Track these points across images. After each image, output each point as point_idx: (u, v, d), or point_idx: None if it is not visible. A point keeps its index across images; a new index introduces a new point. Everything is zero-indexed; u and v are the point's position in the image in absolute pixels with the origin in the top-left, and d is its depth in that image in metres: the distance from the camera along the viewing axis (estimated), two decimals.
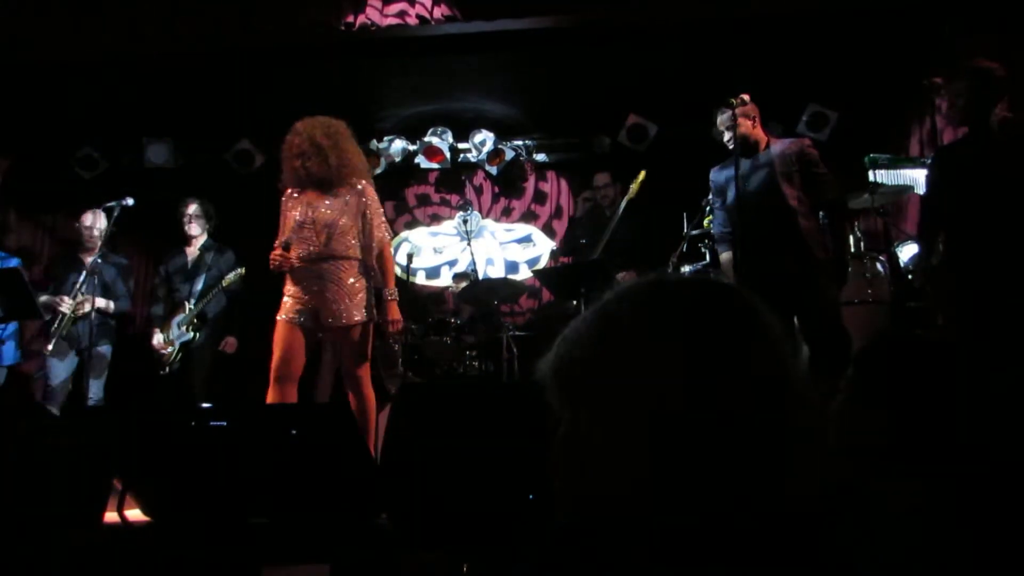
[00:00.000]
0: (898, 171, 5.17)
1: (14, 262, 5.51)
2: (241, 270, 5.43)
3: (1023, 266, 3.42)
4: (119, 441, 3.13)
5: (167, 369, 5.38)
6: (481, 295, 5.99)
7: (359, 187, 4.00)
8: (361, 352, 3.94)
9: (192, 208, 5.58)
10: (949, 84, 3.70)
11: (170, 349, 5.37)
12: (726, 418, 0.78)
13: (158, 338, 5.43)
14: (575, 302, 5.09)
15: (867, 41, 5.34)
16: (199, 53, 5.49)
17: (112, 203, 5.07)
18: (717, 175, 4.30)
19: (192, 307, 5.41)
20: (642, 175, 5.63)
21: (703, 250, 5.61)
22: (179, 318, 5.44)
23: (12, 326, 5.42)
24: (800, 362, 0.85)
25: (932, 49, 5.16)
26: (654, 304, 0.85)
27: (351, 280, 3.89)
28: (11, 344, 5.47)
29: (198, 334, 5.40)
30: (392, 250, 7.24)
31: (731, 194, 4.03)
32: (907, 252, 5.05)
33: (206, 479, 3.23)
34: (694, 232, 5.51)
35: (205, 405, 5.64)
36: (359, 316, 3.89)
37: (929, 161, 4.00)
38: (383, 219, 4.09)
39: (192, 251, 5.63)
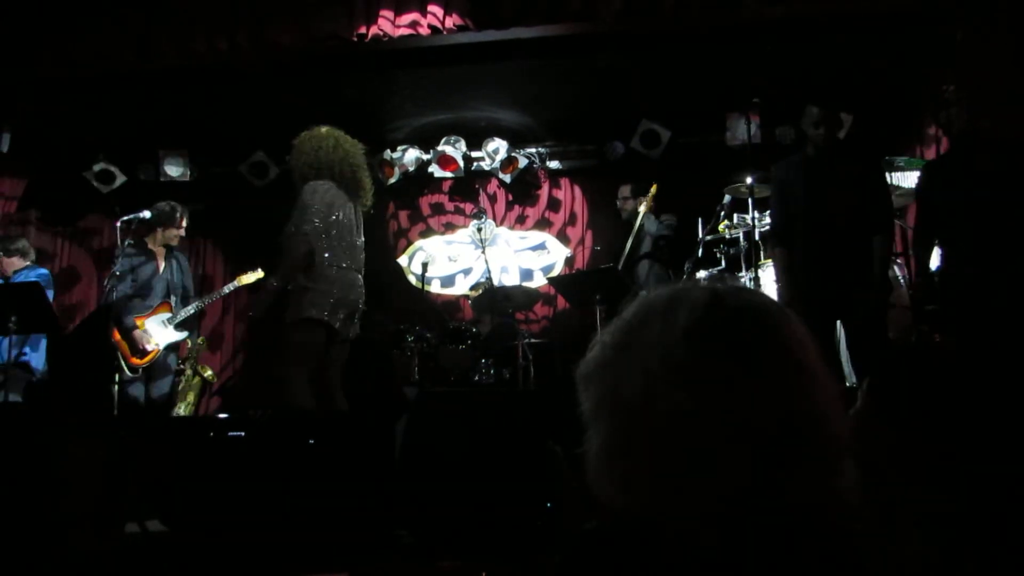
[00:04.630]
0: (915, 174, 5.14)
1: (35, 274, 5.55)
2: (260, 272, 5.45)
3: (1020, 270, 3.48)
4: (140, 451, 3.15)
5: (139, 371, 5.16)
6: (496, 303, 6.00)
7: None
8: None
9: (185, 222, 5.45)
10: (960, 96, 3.80)
11: (150, 348, 5.17)
12: (734, 423, 0.77)
13: (144, 338, 5.19)
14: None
15: (881, 44, 5.32)
16: (213, 67, 5.53)
17: (129, 216, 5.12)
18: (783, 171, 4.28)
19: (192, 308, 5.36)
20: (654, 189, 5.68)
21: (718, 255, 5.59)
22: (163, 317, 5.26)
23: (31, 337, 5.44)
24: (826, 369, 0.85)
25: (946, 52, 5.13)
26: (668, 311, 0.85)
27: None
28: (42, 353, 5.49)
29: (191, 334, 5.36)
30: (407, 258, 7.33)
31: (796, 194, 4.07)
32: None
33: (224, 489, 3.25)
34: (709, 237, 5.50)
35: (222, 416, 5.65)
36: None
37: (920, 175, 4.07)
38: None
39: (160, 253, 5.39)
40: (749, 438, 0.77)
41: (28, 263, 5.64)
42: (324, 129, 4.22)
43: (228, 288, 5.70)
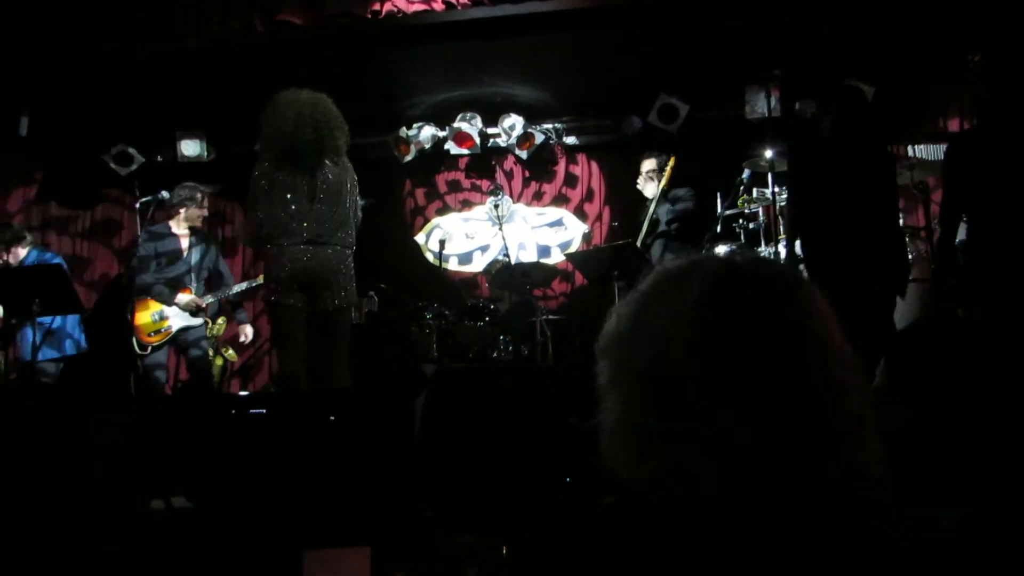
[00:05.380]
0: (938, 146, 5.07)
1: (48, 256, 5.62)
2: None
3: None
4: (163, 429, 3.19)
5: (149, 350, 5.23)
6: (514, 280, 6.00)
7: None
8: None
9: (206, 203, 5.51)
10: (990, 67, 3.74)
11: (163, 329, 5.26)
12: (747, 392, 0.77)
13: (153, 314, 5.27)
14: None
15: (904, 15, 5.21)
16: (228, 47, 5.54)
17: (147, 198, 5.16)
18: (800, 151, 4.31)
19: (211, 297, 5.40)
20: (672, 161, 5.62)
21: (737, 230, 5.55)
22: (182, 300, 5.30)
23: (73, 317, 5.49)
24: (845, 342, 0.84)
25: (970, 23, 5.03)
26: (682, 280, 0.84)
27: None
28: (77, 333, 5.56)
29: (213, 320, 5.44)
30: (424, 236, 7.32)
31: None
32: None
33: (247, 466, 3.29)
34: (728, 212, 5.45)
35: (243, 393, 5.70)
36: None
37: (946, 148, 4.00)
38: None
39: (184, 236, 5.43)
40: (762, 408, 0.76)
41: (29, 246, 5.68)
42: (275, 98, 4.05)
43: (246, 284, 5.63)
